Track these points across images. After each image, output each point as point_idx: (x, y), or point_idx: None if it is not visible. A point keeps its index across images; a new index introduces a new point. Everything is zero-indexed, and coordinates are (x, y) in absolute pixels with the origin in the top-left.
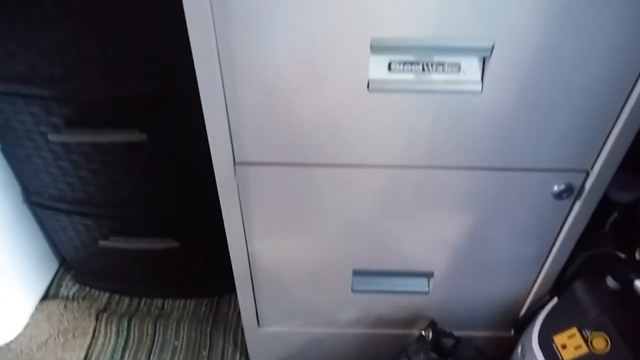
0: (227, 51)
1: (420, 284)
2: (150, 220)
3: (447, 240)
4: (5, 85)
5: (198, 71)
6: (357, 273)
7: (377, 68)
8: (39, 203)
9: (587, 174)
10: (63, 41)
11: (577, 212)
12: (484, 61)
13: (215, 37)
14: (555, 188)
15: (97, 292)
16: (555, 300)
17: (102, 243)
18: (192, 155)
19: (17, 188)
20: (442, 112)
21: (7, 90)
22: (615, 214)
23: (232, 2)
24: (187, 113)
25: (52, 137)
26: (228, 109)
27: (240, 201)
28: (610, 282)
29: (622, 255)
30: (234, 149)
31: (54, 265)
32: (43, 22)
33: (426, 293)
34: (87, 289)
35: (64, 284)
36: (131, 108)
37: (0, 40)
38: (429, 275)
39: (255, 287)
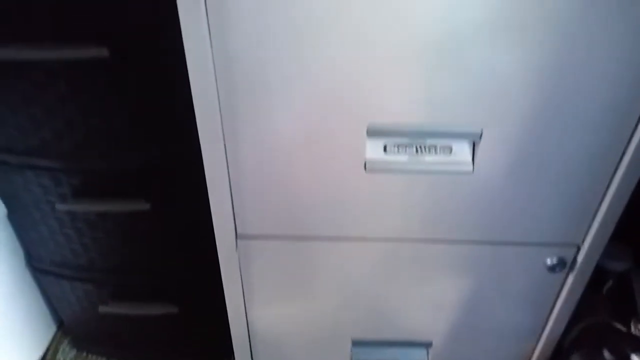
0: (232, 130)
1: (419, 355)
2: (150, 286)
3: (444, 311)
4: (18, 159)
5: (204, 150)
6: (356, 343)
7: (373, 149)
8: (40, 268)
9: (579, 248)
10: (74, 118)
11: (571, 284)
12: (474, 144)
13: (221, 119)
14: (548, 262)
15: (94, 358)
16: None
17: (102, 308)
18: (194, 223)
19: (20, 253)
20: (436, 190)
21: (19, 162)
22: (610, 282)
23: (237, 75)
24: (191, 184)
25: (59, 207)
26: (231, 185)
27: (241, 273)
28: (607, 355)
29: (619, 326)
30: (237, 224)
31: (51, 330)
32: (57, 101)
33: None
34: (85, 354)
35: (61, 349)
36: (136, 178)
37: (15, 117)
38: (427, 345)
39: (254, 355)
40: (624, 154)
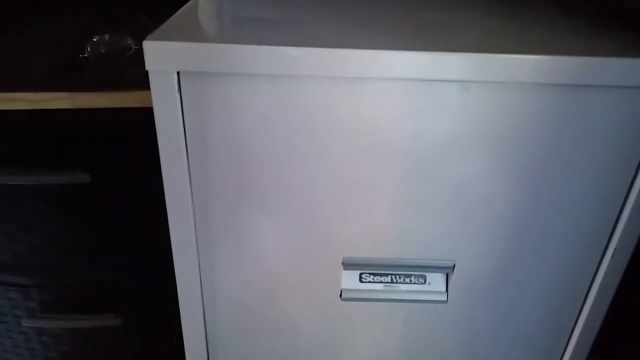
0: (207, 258)
1: None
2: None
3: None
4: None
5: (178, 278)
6: None
7: (349, 279)
8: None
9: None
10: (51, 235)
11: None
12: (447, 274)
13: (197, 249)
14: None
15: None
16: None
17: None
18: (166, 339)
19: None
20: (411, 318)
21: None
22: None
23: (213, 224)
24: (164, 300)
25: (26, 322)
26: (205, 311)
27: None
28: None
29: None
30: (209, 349)
31: None
32: (34, 219)
33: None
34: None
35: None
36: (108, 294)
37: None
38: None
39: None
40: (595, 276)
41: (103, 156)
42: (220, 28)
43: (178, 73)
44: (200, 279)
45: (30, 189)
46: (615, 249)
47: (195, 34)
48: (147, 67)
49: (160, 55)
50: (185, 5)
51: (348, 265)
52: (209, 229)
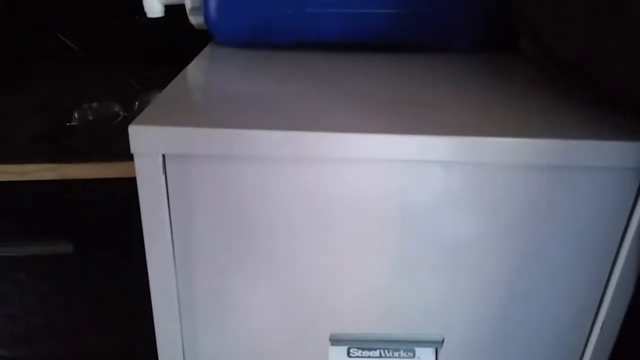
0: (191, 334)
1: None
2: None
3: None
4: None
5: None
6: None
7: (336, 355)
8: None
9: None
10: (31, 304)
11: None
12: (436, 349)
13: (181, 324)
14: None
15: None
16: None
17: None
18: None
19: None
20: None
21: None
22: None
23: (197, 297)
24: None
25: None
26: None
27: None
28: None
29: None
30: None
31: None
32: (13, 288)
33: None
34: None
35: None
36: None
37: None
38: None
39: None
40: (584, 348)
41: (86, 226)
42: (206, 108)
43: (164, 156)
44: (183, 350)
45: (12, 259)
46: (603, 322)
47: (180, 116)
48: (132, 149)
49: (145, 138)
50: (173, 81)
51: (336, 340)
52: (193, 301)
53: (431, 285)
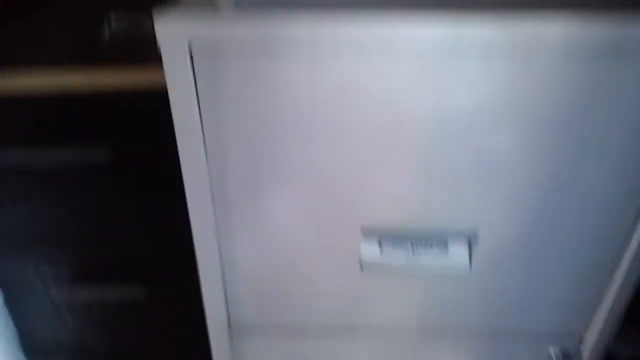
0: (225, 227)
1: None
2: None
3: None
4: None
5: (197, 247)
6: None
7: (368, 250)
8: (35, 352)
9: (582, 339)
10: (74, 211)
11: None
12: (470, 242)
13: (214, 214)
14: (551, 351)
15: None
16: None
17: None
18: (190, 312)
19: (14, 337)
20: (432, 288)
21: (19, 251)
22: None
23: (230, 185)
24: (188, 272)
25: (56, 293)
26: (225, 280)
27: None
28: None
29: None
30: (230, 319)
31: None
32: (59, 196)
33: None
34: None
35: None
36: (133, 266)
37: (17, 211)
38: None
39: None
40: (629, 241)
41: (123, 134)
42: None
43: (190, 45)
44: (220, 250)
45: (55, 167)
46: None
47: (205, 5)
48: (159, 39)
49: (169, 26)
50: None
51: (367, 233)
52: (226, 199)
53: (466, 179)
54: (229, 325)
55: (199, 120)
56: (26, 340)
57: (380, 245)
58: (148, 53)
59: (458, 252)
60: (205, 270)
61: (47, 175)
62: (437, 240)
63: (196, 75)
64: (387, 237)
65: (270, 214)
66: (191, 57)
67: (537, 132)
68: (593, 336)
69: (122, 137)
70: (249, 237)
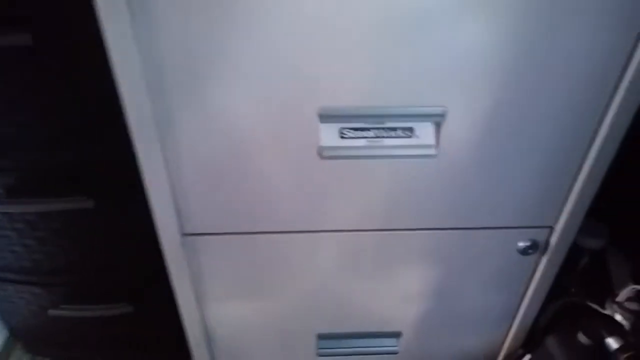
0: (167, 118)
1: (389, 344)
2: (102, 286)
3: (412, 299)
4: None
5: (136, 141)
6: (322, 337)
7: (328, 135)
8: None
9: (552, 230)
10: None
11: (545, 266)
12: (437, 124)
13: (152, 105)
14: (520, 244)
15: None
16: (528, 356)
17: (52, 312)
18: (142, 218)
19: None
20: (397, 176)
21: None
22: (585, 260)
23: (167, 69)
24: (133, 178)
25: None
26: (172, 180)
27: (190, 269)
28: (582, 338)
29: (594, 306)
30: (181, 220)
31: (2, 336)
32: None
33: (396, 352)
34: (39, 359)
35: (13, 354)
36: (75, 176)
37: None
38: (397, 335)
39: (212, 352)
40: (597, 131)
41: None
42: None
43: None
44: (163, 146)
45: None
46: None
47: None
48: None
49: None
50: None
51: (326, 117)
52: (165, 86)
53: (432, 54)
54: (181, 228)
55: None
56: None
57: (340, 130)
58: None
59: (424, 134)
60: (148, 161)
61: None
62: (403, 121)
63: None
64: (348, 120)
65: (217, 102)
66: None
67: (504, 14)
68: (560, 227)
69: (50, 24)
70: (195, 129)
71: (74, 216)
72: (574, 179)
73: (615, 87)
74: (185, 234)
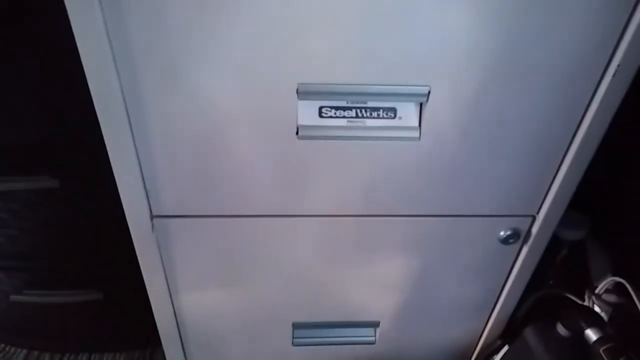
0: (135, 94)
1: (366, 334)
2: (68, 271)
3: (391, 288)
4: None
5: (102, 119)
6: (297, 326)
7: (306, 113)
8: None
9: (534, 219)
10: None
11: (525, 256)
12: (421, 106)
13: (120, 81)
14: (501, 233)
15: (13, 349)
16: (506, 348)
17: (15, 298)
18: (110, 201)
19: None
20: (378, 159)
21: None
22: (565, 251)
23: (136, 45)
24: (102, 158)
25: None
26: (140, 160)
27: (160, 255)
28: (561, 329)
29: (573, 297)
30: (150, 202)
31: None
32: None
33: (373, 343)
34: (2, 346)
35: None
36: (41, 154)
37: None
38: (374, 324)
39: (184, 342)
40: (582, 120)
41: None
42: None
43: None
44: (127, 112)
45: None
46: (618, 65)
47: None
48: None
49: None
50: None
51: (304, 94)
52: (133, 61)
53: (416, 32)
54: (151, 211)
55: None
56: None
57: (320, 109)
58: None
59: (407, 115)
60: (117, 149)
61: None
62: (385, 101)
63: None
64: (328, 98)
65: (189, 77)
66: None
67: None
68: (543, 215)
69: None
70: (165, 105)
71: (36, 196)
72: (558, 166)
73: (601, 76)
74: (155, 216)
